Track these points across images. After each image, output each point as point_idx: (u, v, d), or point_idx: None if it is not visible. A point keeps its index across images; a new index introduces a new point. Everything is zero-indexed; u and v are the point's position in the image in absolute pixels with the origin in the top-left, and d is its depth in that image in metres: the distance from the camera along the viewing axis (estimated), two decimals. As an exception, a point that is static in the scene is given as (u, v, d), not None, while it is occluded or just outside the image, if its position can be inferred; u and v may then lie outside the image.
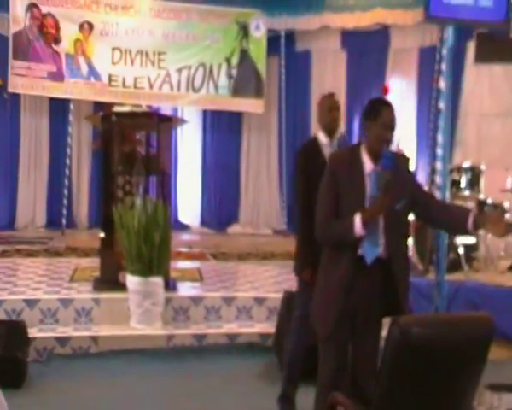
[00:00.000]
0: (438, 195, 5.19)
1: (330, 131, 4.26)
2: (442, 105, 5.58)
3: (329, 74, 10.28)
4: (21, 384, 4.76)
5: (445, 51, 5.58)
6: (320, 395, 3.47)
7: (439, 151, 5.52)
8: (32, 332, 5.30)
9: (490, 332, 2.61)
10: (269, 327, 5.81)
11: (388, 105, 3.38)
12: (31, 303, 5.77)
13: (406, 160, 3.54)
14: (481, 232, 6.04)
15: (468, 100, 9.26)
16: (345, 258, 3.30)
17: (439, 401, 2.57)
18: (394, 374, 2.55)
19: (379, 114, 3.28)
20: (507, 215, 6.53)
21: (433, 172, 6.56)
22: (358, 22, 9.69)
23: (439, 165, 5.44)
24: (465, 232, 3.46)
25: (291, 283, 6.73)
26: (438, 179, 5.43)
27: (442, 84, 5.59)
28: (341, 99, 10.10)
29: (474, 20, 5.47)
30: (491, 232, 3.33)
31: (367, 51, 10.12)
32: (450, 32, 5.49)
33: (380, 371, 2.60)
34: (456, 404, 2.63)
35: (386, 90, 6.31)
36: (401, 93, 9.90)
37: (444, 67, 5.59)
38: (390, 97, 6.11)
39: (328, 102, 4.36)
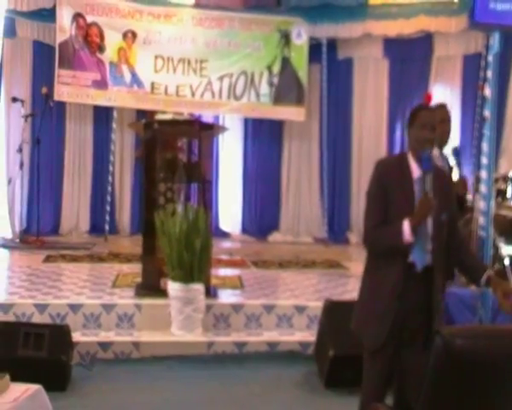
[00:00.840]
0: (483, 205, 5.10)
1: (440, 142, 4.21)
2: (487, 113, 5.49)
3: (371, 82, 10.21)
4: (65, 387, 4.85)
5: (490, 58, 5.50)
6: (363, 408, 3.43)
7: (484, 160, 5.43)
8: (76, 336, 5.36)
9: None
10: (309, 335, 5.78)
11: (425, 108, 3.44)
12: (74, 308, 5.86)
13: (448, 173, 3.58)
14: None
15: (515, 108, 9.12)
16: (396, 265, 3.26)
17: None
18: (437, 385, 2.52)
19: (416, 116, 3.35)
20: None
21: (477, 181, 6.45)
22: (401, 30, 9.61)
23: (483, 174, 5.35)
24: (474, 283, 3.38)
25: (331, 291, 6.74)
26: (483, 189, 5.34)
27: (487, 91, 5.51)
28: (383, 107, 10.15)
29: (521, 26, 5.38)
30: (501, 304, 3.16)
31: (410, 59, 10.03)
32: (495, 39, 5.41)
33: (423, 382, 2.58)
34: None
35: (429, 98, 6.21)
36: (445, 101, 9.77)
37: (489, 74, 5.51)
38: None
39: (439, 114, 4.30)
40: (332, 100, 10.20)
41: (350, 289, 6.92)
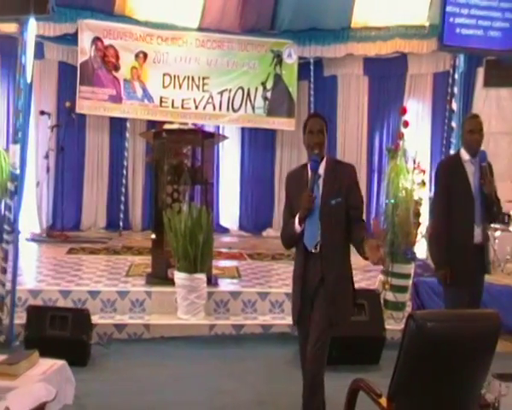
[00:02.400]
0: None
1: (472, 151, 4.21)
2: (454, 124, 5.53)
3: (353, 97, 10.21)
4: (86, 363, 4.87)
5: (456, 76, 5.54)
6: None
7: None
8: (95, 319, 5.37)
9: (497, 327, 2.58)
10: (298, 319, 5.80)
11: (311, 116, 3.70)
12: (93, 294, 5.86)
13: (349, 168, 3.54)
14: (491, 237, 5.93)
15: (478, 120, 9.13)
16: (299, 251, 3.50)
17: (452, 389, 2.54)
18: (410, 364, 2.53)
19: (305, 124, 3.53)
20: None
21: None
22: (379, 51, 9.60)
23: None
24: (360, 254, 3.25)
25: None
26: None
27: (454, 105, 5.55)
28: (364, 118, 10.16)
29: (483, 48, 5.42)
30: (369, 257, 3.10)
31: (387, 76, 10.03)
32: (461, 59, 5.45)
33: (397, 361, 2.58)
34: (467, 392, 2.61)
35: (404, 111, 6.25)
36: (417, 114, 9.79)
37: (456, 90, 5.55)
38: (407, 118, 6.05)
39: (471, 124, 4.29)
40: (319, 112, 10.16)
41: (334, 278, 6.93)
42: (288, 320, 5.79)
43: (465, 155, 4.27)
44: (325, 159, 3.48)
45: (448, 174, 4.33)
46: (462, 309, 3.90)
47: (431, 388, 2.51)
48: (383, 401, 2.70)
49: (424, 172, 6.05)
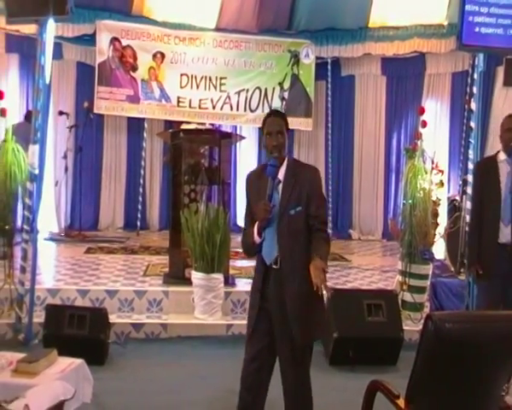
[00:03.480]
0: (469, 204, 5.08)
1: (508, 150, 4.20)
2: (473, 124, 5.48)
3: (371, 96, 10.19)
4: (104, 362, 4.89)
5: (476, 76, 5.48)
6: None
7: (470, 165, 5.43)
8: (112, 318, 5.40)
9: (516, 329, 2.55)
10: (315, 319, 5.78)
11: (269, 115, 3.19)
12: (111, 293, 5.90)
13: (312, 172, 3.16)
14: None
15: (497, 119, 9.03)
16: (258, 261, 3.20)
17: (470, 391, 2.51)
18: (428, 365, 2.51)
19: (263, 124, 3.16)
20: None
21: (464, 183, 6.46)
22: (397, 50, 9.57)
23: (470, 178, 5.34)
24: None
25: (335, 281, 6.73)
26: (469, 190, 5.33)
27: (473, 105, 5.49)
28: (381, 118, 10.12)
29: (503, 47, 5.35)
30: (312, 278, 2.82)
31: (404, 76, 10.01)
32: (480, 58, 5.39)
33: (415, 363, 2.56)
34: (486, 394, 2.57)
35: (422, 111, 6.22)
36: (436, 114, 9.75)
37: (475, 89, 5.49)
38: (425, 118, 6.01)
39: (508, 123, 4.28)
40: (336, 112, 10.19)
41: (351, 280, 6.92)
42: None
43: (502, 155, 4.29)
44: (286, 162, 3.13)
45: (480, 174, 4.46)
46: (492, 306, 3.89)
47: (449, 389, 2.49)
48: (401, 402, 2.69)
49: (442, 172, 6.01)
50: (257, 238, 3.09)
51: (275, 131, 3.10)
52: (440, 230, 5.92)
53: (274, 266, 3.09)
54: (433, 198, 5.85)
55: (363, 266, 7.61)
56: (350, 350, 4.89)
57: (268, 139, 3.12)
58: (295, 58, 9.82)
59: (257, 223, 3.08)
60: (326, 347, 5.18)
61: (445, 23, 9.06)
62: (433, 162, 5.93)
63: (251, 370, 3.21)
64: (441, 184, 5.97)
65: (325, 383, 4.67)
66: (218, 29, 9.65)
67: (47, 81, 5.33)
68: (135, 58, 9.48)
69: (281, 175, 3.10)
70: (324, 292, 2.95)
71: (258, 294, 3.16)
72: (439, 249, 6.48)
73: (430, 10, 9.09)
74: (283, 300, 3.06)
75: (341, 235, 10.06)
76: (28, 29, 7.94)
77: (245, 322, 5.65)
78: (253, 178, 3.26)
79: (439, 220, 5.91)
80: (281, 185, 3.09)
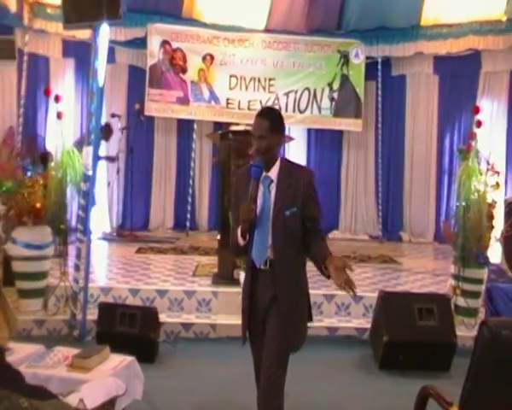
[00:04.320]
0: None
1: None
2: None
3: (423, 96, 10.01)
4: (154, 360, 4.98)
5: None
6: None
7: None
8: (162, 317, 5.49)
9: None
10: (365, 323, 5.74)
11: (256, 116, 3.07)
12: (161, 293, 6.00)
13: (305, 174, 3.09)
14: None
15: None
16: (247, 265, 3.11)
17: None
18: (483, 373, 2.44)
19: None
20: None
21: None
22: (450, 48, 9.37)
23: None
24: (321, 272, 2.94)
25: (385, 283, 6.65)
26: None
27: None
28: (434, 119, 9.94)
29: None
30: (333, 280, 2.80)
31: (458, 75, 9.77)
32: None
33: (469, 370, 2.50)
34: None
35: (477, 111, 6.07)
36: (492, 113, 9.50)
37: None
38: (480, 117, 5.86)
39: None
40: (386, 112, 10.06)
41: (402, 282, 6.83)
42: (355, 323, 5.81)
43: None
44: (278, 162, 3.05)
45: None
46: None
47: (505, 399, 2.42)
48: (454, 409, 2.63)
49: (499, 173, 5.85)
50: (241, 240, 3.01)
51: (257, 134, 3.01)
52: (496, 233, 5.75)
53: (263, 268, 3.00)
54: (489, 200, 5.70)
55: (414, 269, 7.49)
56: (400, 354, 4.83)
57: (252, 141, 3.05)
58: (345, 58, 9.76)
59: (241, 224, 2.99)
60: (376, 350, 5.13)
61: (504, 18, 8.80)
62: (488, 163, 5.78)
63: (259, 372, 3.19)
64: (497, 185, 5.80)
65: (374, 388, 4.63)
66: (267, 30, 9.68)
67: (100, 84, 5.47)
68: (185, 60, 9.62)
69: (273, 175, 3.03)
70: (353, 293, 2.86)
71: (248, 299, 3.08)
72: (496, 253, 6.30)
73: (487, 6, 8.86)
74: (274, 302, 2.99)
75: (392, 237, 9.93)
76: (83, 34, 8.14)
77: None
78: (242, 177, 3.15)
79: (494, 223, 5.75)
80: (274, 185, 3.02)
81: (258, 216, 2.99)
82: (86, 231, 5.50)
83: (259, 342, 3.10)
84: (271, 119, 3.03)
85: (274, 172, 3.03)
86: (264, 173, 3.03)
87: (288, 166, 3.09)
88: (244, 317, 3.14)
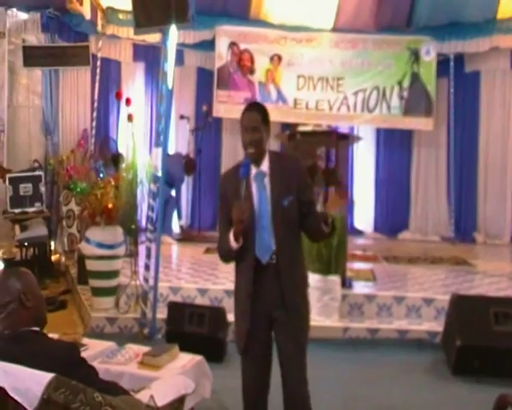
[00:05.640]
0: None
1: None
2: None
3: (498, 93, 9.64)
4: (222, 359, 5.00)
5: None
6: (245, 407, 3.15)
7: None
8: (230, 317, 5.48)
9: None
10: (436, 326, 5.57)
11: (246, 110, 3.03)
12: (229, 293, 5.94)
13: (295, 161, 3.12)
14: None
15: None
16: (246, 266, 2.98)
17: None
18: None
19: (240, 119, 3.01)
20: None
21: None
22: (530, 42, 9.01)
23: None
24: (323, 234, 2.95)
25: (458, 286, 6.44)
26: None
27: None
28: (510, 116, 9.55)
29: None
30: (329, 207, 2.89)
31: (537, 69, 9.38)
32: None
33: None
34: None
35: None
36: None
37: None
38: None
39: None
40: (459, 111, 9.75)
41: (476, 285, 6.59)
42: (426, 326, 5.67)
43: None
44: (267, 155, 3.03)
45: None
46: None
47: None
48: (534, 418, 2.51)
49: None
50: (234, 244, 2.91)
51: (250, 126, 2.96)
52: None
53: (269, 262, 2.95)
54: None
55: (489, 272, 7.21)
56: (475, 360, 4.66)
57: (243, 135, 2.99)
58: (415, 56, 9.55)
59: (232, 228, 2.89)
60: (448, 355, 4.97)
61: None
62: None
63: (253, 390, 3.11)
64: None
65: (448, 394, 4.49)
66: (334, 29, 9.60)
67: (169, 87, 5.57)
68: (252, 61, 9.68)
69: (265, 168, 3.00)
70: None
71: (248, 300, 2.96)
72: None
73: None
74: (282, 295, 2.95)
75: (465, 238, 9.61)
76: (153, 38, 8.35)
77: (362, 325, 5.66)
78: (228, 178, 3.11)
79: None
80: (267, 178, 2.99)
81: (256, 212, 2.96)
82: (156, 231, 5.60)
83: (259, 347, 3.02)
84: (262, 112, 3.02)
85: (265, 166, 3.02)
86: (254, 170, 3.00)
87: (276, 157, 3.09)
88: (243, 323, 3.01)
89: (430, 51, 9.48)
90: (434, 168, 10.01)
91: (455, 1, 8.75)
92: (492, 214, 9.65)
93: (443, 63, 9.58)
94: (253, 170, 3.00)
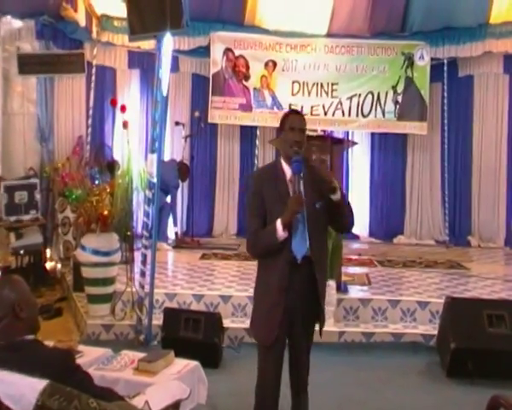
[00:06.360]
0: None
1: None
2: None
3: (491, 97, 9.71)
4: (217, 365, 5.02)
5: None
6: (260, 403, 3.34)
7: None
8: (226, 323, 5.54)
9: None
10: (431, 329, 5.62)
11: (294, 112, 3.46)
12: (225, 299, 6.05)
13: (318, 169, 3.30)
14: None
15: None
16: (280, 261, 3.10)
17: None
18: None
19: (285, 120, 3.24)
20: None
21: None
22: (522, 46, 9.08)
23: None
24: (335, 205, 3.07)
25: (452, 289, 6.47)
26: None
27: None
28: (504, 120, 9.62)
29: None
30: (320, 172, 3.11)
31: (530, 73, 9.45)
32: None
33: None
34: None
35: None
36: None
37: None
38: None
39: None
40: (453, 115, 9.81)
41: (470, 288, 6.63)
42: (421, 329, 5.69)
43: None
44: None
45: None
46: None
47: None
48: (526, 419, 2.54)
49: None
50: (282, 234, 3.04)
51: (298, 127, 3.17)
52: None
53: (304, 260, 3.10)
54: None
55: (483, 275, 7.25)
56: (469, 362, 4.68)
57: (291, 134, 3.16)
58: (409, 60, 9.61)
59: (281, 219, 3.03)
60: (443, 358, 5.00)
61: None
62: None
63: (274, 380, 3.27)
64: None
65: (442, 396, 4.52)
66: (329, 35, 9.65)
67: (164, 93, 5.59)
68: (247, 67, 9.72)
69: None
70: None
71: (283, 293, 3.10)
72: None
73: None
74: (313, 291, 3.13)
75: (459, 242, 9.66)
76: (148, 45, 8.39)
77: (357, 329, 5.68)
78: (264, 177, 3.27)
79: None
80: (301, 181, 3.12)
81: None
82: (151, 238, 5.61)
83: (282, 344, 3.21)
84: (305, 119, 3.27)
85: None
86: (289, 174, 3.15)
87: (306, 164, 3.25)
88: (277, 313, 3.12)
89: (424, 56, 9.54)
90: (428, 172, 10.06)
91: (448, 6, 8.80)
92: (486, 218, 9.70)
93: (436, 68, 9.65)
94: (288, 173, 3.16)
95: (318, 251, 3.15)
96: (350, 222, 3.24)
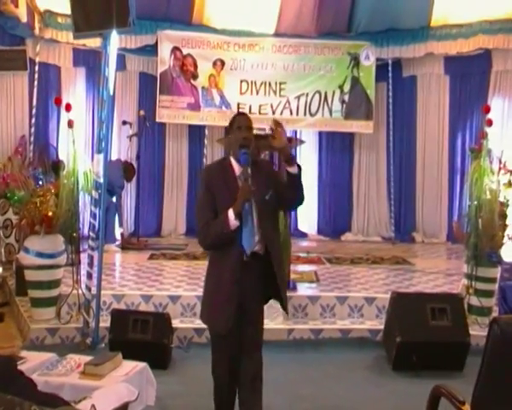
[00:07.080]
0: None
1: None
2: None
3: (433, 97, 9.97)
4: (167, 366, 4.98)
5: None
6: (218, 389, 3.52)
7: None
8: (175, 323, 5.50)
9: None
10: (378, 324, 5.72)
11: (240, 114, 3.78)
12: (174, 299, 6.01)
13: (266, 162, 3.75)
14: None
15: None
16: (231, 253, 3.25)
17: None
18: (494, 371, 2.43)
19: (233, 121, 3.43)
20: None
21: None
22: (461, 48, 9.35)
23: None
24: (293, 179, 3.25)
25: (398, 284, 6.62)
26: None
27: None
28: (445, 119, 9.89)
29: None
30: (275, 144, 3.23)
31: (469, 74, 9.74)
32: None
33: (480, 368, 2.49)
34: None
35: (487, 110, 6.04)
36: (503, 112, 9.43)
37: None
38: (491, 116, 5.81)
39: None
40: (397, 114, 10.03)
41: (415, 283, 6.79)
42: (368, 325, 5.79)
43: None
44: None
45: None
46: None
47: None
48: (466, 408, 2.61)
49: (511, 172, 5.80)
50: (234, 222, 3.17)
51: (245, 125, 3.38)
52: (509, 232, 5.71)
53: (256, 252, 3.26)
54: (501, 199, 5.66)
55: (427, 270, 7.45)
56: (413, 355, 4.80)
57: (238, 132, 3.35)
58: (355, 60, 9.76)
59: (232, 208, 3.17)
60: (389, 351, 5.11)
61: (514, 17, 8.73)
62: (500, 162, 5.74)
63: (226, 384, 3.46)
64: (509, 184, 5.76)
65: (388, 389, 4.61)
66: (276, 34, 9.71)
67: (111, 92, 5.50)
68: (195, 66, 9.67)
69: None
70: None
71: (235, 286, 3.22)
72: (508, 252, 6.25)
73: (496, 5, 8.80)
74: (272, 284, 3.30)
75: (404, 238, 9.89)
76: (94, 43, 8.22)
77: (306, 327, 5.74)
78: (214, 171, 3.45)
79: (507, 222, 5.71)
80: (249, 171, 3.29)
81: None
82: (98, 239, 5.51)
83: (234, 337, 3.32)
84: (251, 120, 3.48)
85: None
86: (238, 169, 3.33)
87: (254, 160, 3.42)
88: (231, 304, 3.24)
89: (369, 56, 9.72)
90: (375, 170, 10.25)
91: (391, 8, 8.98)
92: (429, 214, 9.97)
93: (381, 68, 9.84)
94: (238, 170, 3.31)
95: (271, 238, 3.31)
96: (302, 196, 3.38)
